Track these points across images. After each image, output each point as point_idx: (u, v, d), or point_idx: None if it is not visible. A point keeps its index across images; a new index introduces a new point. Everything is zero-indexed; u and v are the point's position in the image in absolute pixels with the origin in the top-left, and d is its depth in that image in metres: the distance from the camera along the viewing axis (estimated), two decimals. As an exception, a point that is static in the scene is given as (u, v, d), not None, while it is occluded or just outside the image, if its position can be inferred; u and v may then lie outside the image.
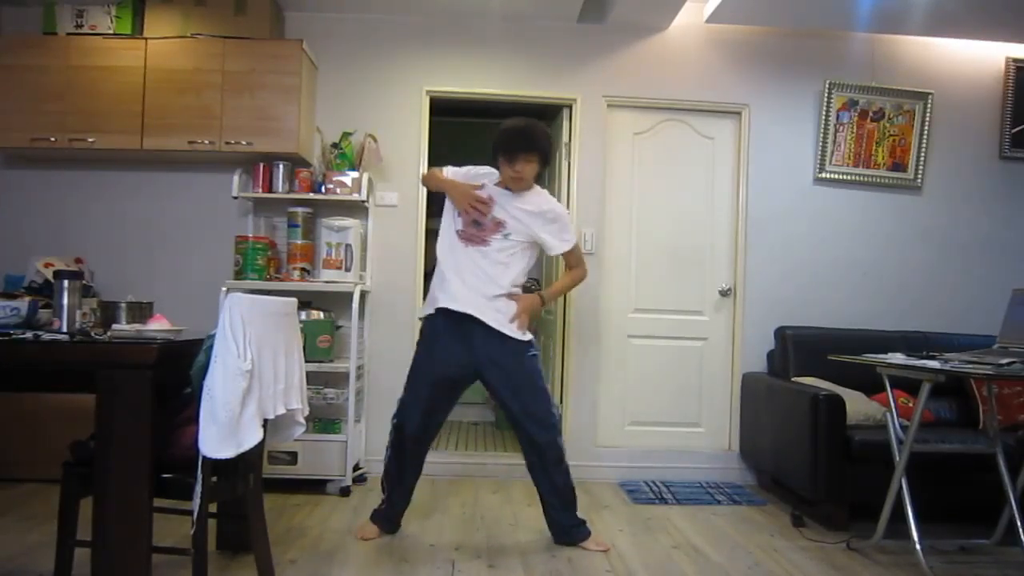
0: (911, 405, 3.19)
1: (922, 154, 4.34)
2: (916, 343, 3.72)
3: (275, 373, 2.29)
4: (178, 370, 2.19)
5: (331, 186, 3.90)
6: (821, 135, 4.29)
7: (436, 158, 4.32)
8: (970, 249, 4.39)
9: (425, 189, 4.21)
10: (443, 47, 4.23)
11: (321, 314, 3.80)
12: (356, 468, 3.86)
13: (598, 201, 4.28)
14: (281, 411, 2.33)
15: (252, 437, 2.14)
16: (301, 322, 2.94)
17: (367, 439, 4.07)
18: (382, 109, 4.19)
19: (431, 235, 4.91)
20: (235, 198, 3.87)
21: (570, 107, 4.32)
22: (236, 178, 3.84)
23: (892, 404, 3.01)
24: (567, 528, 3.03)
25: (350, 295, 3.76)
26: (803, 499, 3.52)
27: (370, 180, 4.01)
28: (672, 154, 4.37)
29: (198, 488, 2.07)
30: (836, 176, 4.33)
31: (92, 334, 2.32)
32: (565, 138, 4.35)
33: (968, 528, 3.22)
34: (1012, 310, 3.10)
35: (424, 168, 4.20)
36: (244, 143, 3.77)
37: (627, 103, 4.32)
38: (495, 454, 4.51)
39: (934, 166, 4.37)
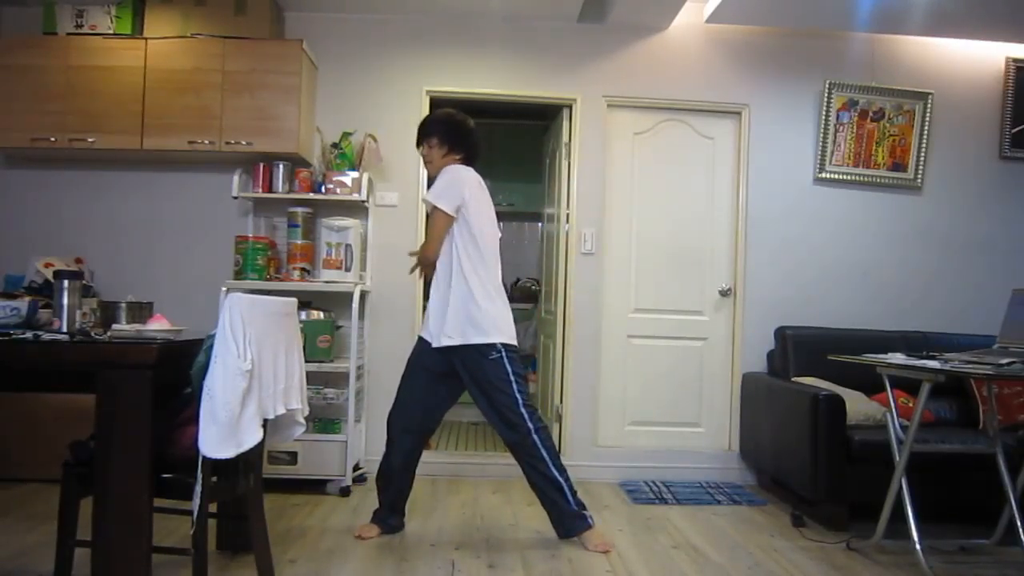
0: (911, 405, 3.19)
1: (922, 154, 4.34)
2: (916, 343, 3.72)
3: (275, 373, 2.29)
4: (178, 370, 2.19)
5: (331, 186, 3.90)
6: (821, 135, 4.29)
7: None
8: (970, 249, 4.39)
9: (425, 188, 4.22)
10: (443, 47, 4.23)
11: (321, 314, 3.80)
12: (356, 468, 3.86)
13: (598, 201, 4.28)
14: (281, 411, 2.33)
15: (252, 437, 2.14)
16: (301, 322, 2.94)
17: (367, 439, 4.07)
18: (382, 109, 4.19)
19: (431, 235, 4.94)
20: (235, 198, 3.88)
21: (570, 107, 4.32)
22: (236, 178, 3.84)
23: (892, 404, 3.01)
24: (562, 520, 3.03)
25: (350, 295, 3.76)
26: (803, 499, 3.52)
27: (370, 180, 4.01)
28: (672, 154, 4.37)
29: (198, 488, 2.07)
30: (836, 176, 4.33)
31: (92, 334, 2.32)
32: (565, 138, 4.35)
33: (968, 528, 3.23)
34: (1012, 310, 3.09)
35: (424, 169, 4.20)
36: (244, 143, 3.77)
37: (627, 103, 4.32)
38: (495, 454, 4.51)
39: (934, 166, 4.38)
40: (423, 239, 3.24)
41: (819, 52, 4.33)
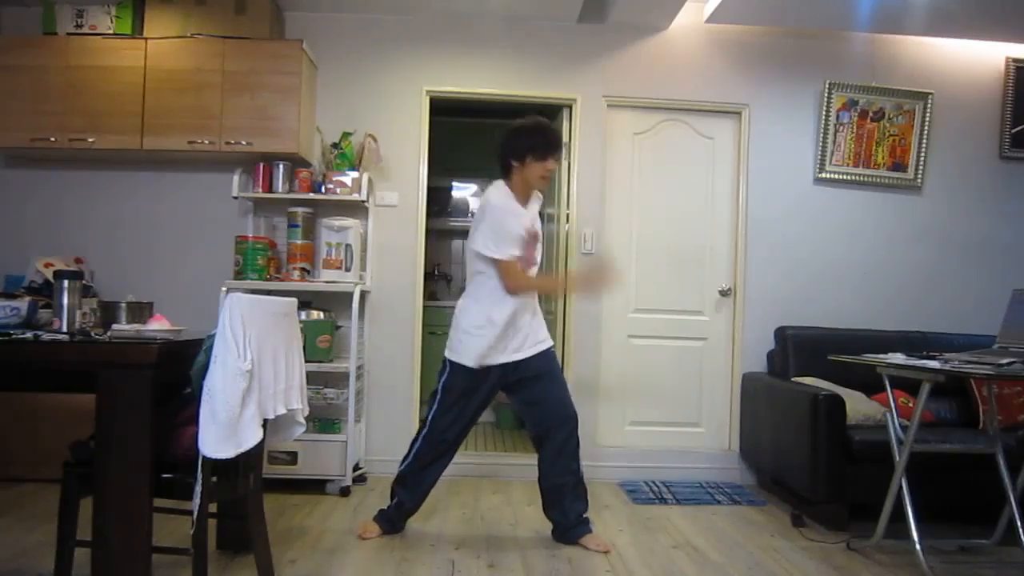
0: (911, 405, 3.19)
1: (922, 154, 4.34)
2: (916, 343, 3.72)
3: (275, 373, 2.29)
4: (178, 370, 2.19)
5: (331, 186, 3.90)
6: (821, 135, 4.29)
7: (436, 158, 4.34)
8: (970, 249, 4.39)
9: (425, 189, 4.23)
10: (443, 47, 4.23)
11: (321, 314, 3.80)
12: (356, 468, 3.86)
13: (598, 201, 4.28)
14: (281, 411, 2.33)
15: (252, 437, 2.14)
16: (301, 322, 2.93)
17: (367, 439, 4.07)
18: (382, 109, 4.19)
19: (431, 235, 4.95)
20: (235, 198, 3.87)
21: (570, 107, 4.32)
22: (236, 178, 3.84)
23: (892, 404, 3.01)
24: (566, 525, 3.04)
25: (350, 295, 3.76)
26: (803, 499, 3.52)
27: (370, 180, 4.01)
28: (672, 154, 4.37)
29: (198, 488, 2.07)
30: (836, 176, 4.33)
31: (92, 334, 2.32)
32: (565, 138, 4.34)
33: (968, 528, 3.23)
34: (1012, 310, 3.09)
35: (424, 169, 4.21)
36: (244, 143, 3.77)
37: (627, 103, 4.32)
38: (495, 454, 4.51)
39: (934, 166, 4.37)
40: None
41: (819, 52, 4.33)
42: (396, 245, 4.18)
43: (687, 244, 4.36)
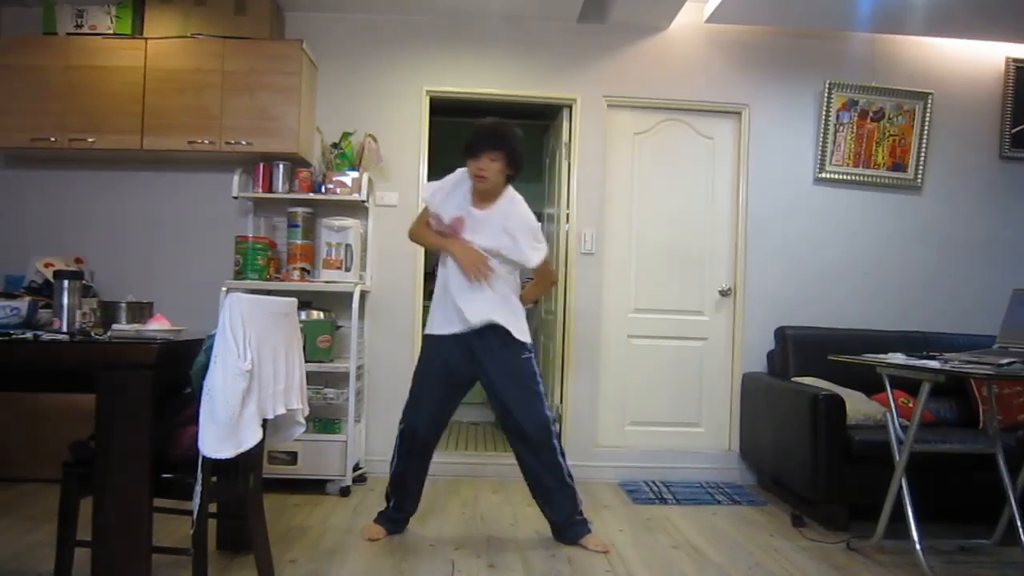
0: (911, 405, 3.19)
1: (922, 154, 4.34)
2: (916, 343, 3.72)
3: (275, 373, 2.29)
4: (178, 370, 2.19)
5: (331, 186, 3.90)
6: (821, 135, 4.29)
7: (436, 158, 4.33)
8: (970, 249, 4.39)
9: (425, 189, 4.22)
10: (443, 47, 4.23)
11: (321, 314, 3.80)
12: (356, 468, 3.86)
13: (598, 201, 4.28)
14: (281, 411, 2.33)
15: (252, 437, 2.14)
16: (301, 322, 2.94)
17: (367, 439, 4.07)
18: (382, 109, 4.19)
19: (431, 235, 4.94)
20: (235, 198, 3.87)
21: (570, 107, 4.31)
22: (236, 178, 3.84)
23: (892, 404, 3.01)
24: (564, 526, 3.04)
25: (350, 295, 3.76)
26: (803, 499, 3.52)
27: (370, 180, 4.01)
28: (672, 154, 4.37)
29: (198, 488, 2.07)
30: (836, 176, 4.33)
31: (92, 334, 2.32)
32: (565, 138, 4.35)
33: (968, 528, 3.23)
34: (1012, 310, 3.09)
35: (424, 169, 4.21)
36: (244, 143, 3.77)
37: (627, 103, 4.32)
38: (495, 454, 4.51)
39: (934, 166, 4.37)
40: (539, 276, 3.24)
41: (819, 52, 4.33)
42: (396, 245, 4.17)
43: (687, 244, 4.36)
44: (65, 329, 2.35)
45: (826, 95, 4.26)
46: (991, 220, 4.40)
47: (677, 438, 4.31)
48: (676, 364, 4.34)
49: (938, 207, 4.39)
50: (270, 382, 2.25)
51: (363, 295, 3.94)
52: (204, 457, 2.05)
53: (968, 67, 4.40)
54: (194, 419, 2.08)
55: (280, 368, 2.33)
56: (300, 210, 3.91)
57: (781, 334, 4.14)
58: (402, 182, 4.20)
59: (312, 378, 3.36)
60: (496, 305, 2.96)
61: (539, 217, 3.14)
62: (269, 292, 3.41)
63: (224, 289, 3.56)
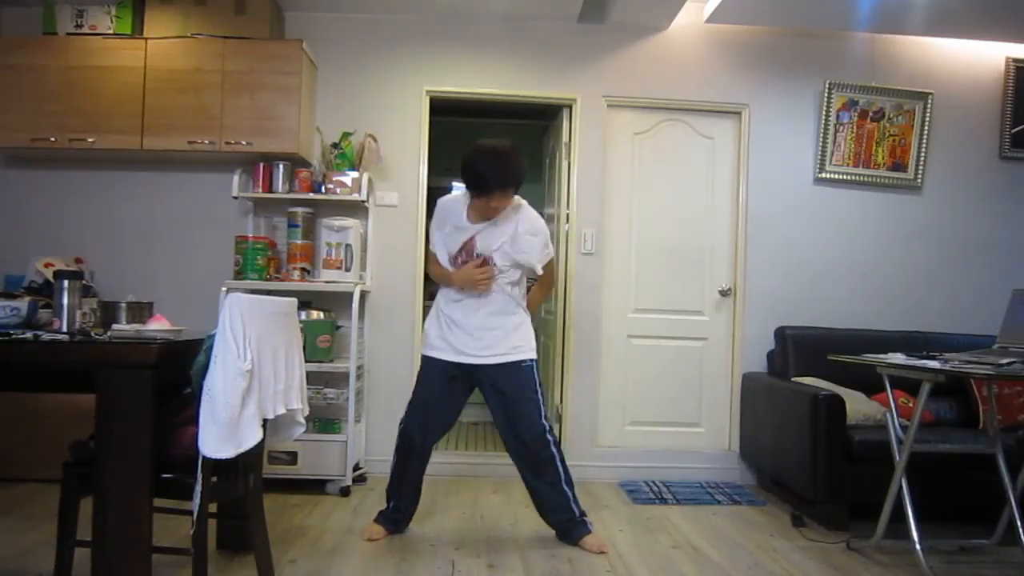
0: (911, 405, 3.19)
1: (922, 154, 4.34)
2: (916, 343, 3.72)
3: (275, 373, 2.29)
4: (178, 370, 2.19)
5: (331, 186, 3.90)
6: (821, 135, 4.29)
7: (436, 158, 4.34)
8: (970, 249, 4.39)
9: (425, 189, 4.22)
10: (443, 47, 4.23)
11: (321, 314, 3.80)
12: (356, 468, 3.86)
13: (598, 201, 4.28)
14: (281, 411, 2.33)
15: (252, 437, 2.14)
16: (301, 322, 2.94)
17: (367, 439, 4.08)
18: (382, 109, 4.19)
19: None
20: (235, 198, 3.87)
21: (570, 107, 4.31)
22: (236, 178, 3.84)
23: (892, 404, 3.01)
24: (563, 528, 3.05)
25: (350, 295, 3.76)
26: (803, 499, 3.52)
27: (370, 180, 4.01)
28: (672, 154, 4.37)
29: (198, 488, 2.07)
30: (836, 176, 4.33)
31: (92, 334, 2.32)
32: (565, 138, 4.35)
33: (968, 528, 3.22)
34: (1012, 310, 3.09)
35: (424, 169, 4.21)
36: (244, 143, 3.77)
37: (627, 103, 4.32)
38: (495, 454, 4.51)
39: (934, 166, 4.37)
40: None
41: (819, 52, 4.33)
42: (396, 245, 4.18)
43: (687, 244, 4.36)
44: (65, 329, 2.35)
45: (826, 95, 4.26)
46: (991, 220, 4.40)
47: (677, 438, 4.31)
48: (676, 364, 4.34)
49: (938, 207, 4.39)
50: (270, 382, 2.25)
51: (363, 295, 3.94)
52: (204, 457, 2.05)
53: (968, 67, 4.40)
54: (194, 419, 2.08)
55: (280, 368, 2.33)
56: (300, 210, 3.91)
57: (781, 334, 4.14)
58: (402, 182, 4.20)
59: (312, 378, 3.36)
60: (508, 334, 2.99)
61: (507, 234, 3.11)
62: (269, 292, 3.41)
63: (224, 289, 3.56)
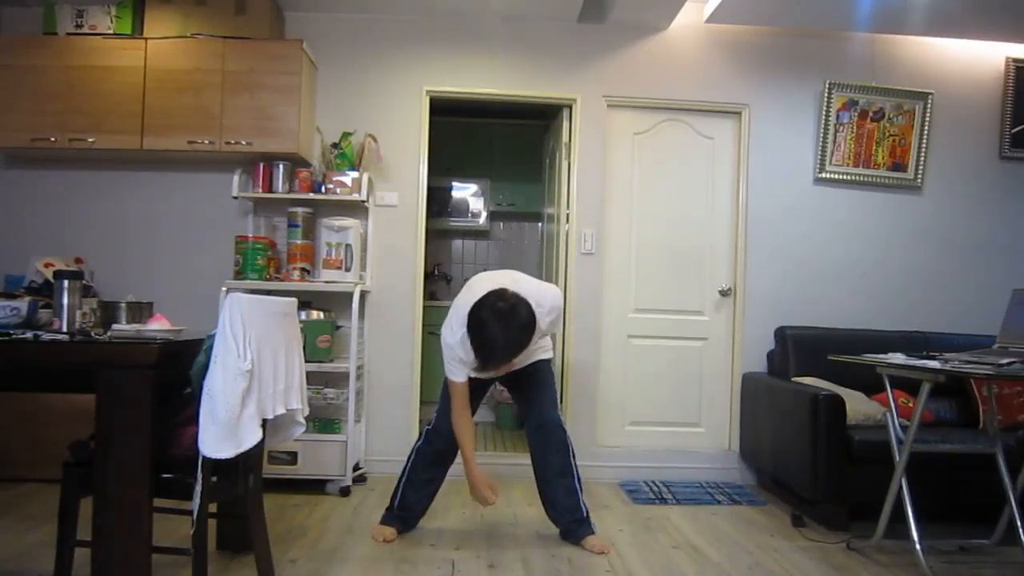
0: (911, 405, 3.19)
1: (922, 154, 4.34)
2: (916, 343, 3.72)
3: (275, 373, 2.29)
4: (178, 370, 2.19)
5: (331, 186, 3.90)
6: (821, 135, 4.29)
7: (436, 158, 4.34)
8: (970, 249, 4.39)
9: (425, 189, 4.23)
10: (443, 47, 4.23)
11: (321, 314, 3.80)
12: (356, 468, 3.86)
13: (598, 201, 4.28)
14: (281, 411, 2.33)
15: (252, 437, 2.14)
16: (301, 322, 2.94)
17: (367, 439, 4.07)
18: (382, 109, 4.19)
19: (431, 235, 4.95)
20: (235, 198, 3.88)
21: (570, 107, 4.32)
22: (236, 178, 3.84)
23: (892, 404, 3.01)
24: (567, 526, 3.05)
25: (350, 295, 3.76)
26: (803, 499, 3.52)
27: (370, 180, 4.01)
28: (672, 154, 4.37)
29: (198, 488, 2.07)
30: (836, 176, 4.33)
31: (92, 334, 2.32)
32: (565, 138, 4.35)
33: (968, 528, 3.22)
34: (1012, 310, 3.09)
35: (424, 169, 4.21)
36: (244, 143, 3.77)
37: (627, 103, 4.32)
38: (495, 454, 4.51)
39: (934, 166, 4.37)
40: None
41: (819, 52, 4.33)
42: (396, 245, 4.18)
43: (687, 244, 4.36)
44: (65, 329, 2.35)
45: (826, 95, 4.27)
46: (991, 220, 4.40)
47: (677, 438, 4.31)
48: (676, 364, 4.34)
49: (938, 207, 4.39)
50: (270, 382, 2.25)
51: (363, 295, 3.94)
52: (204, 457, 2.05)
53: (968, 67, 4.41)
54: (194, 419, 2.08)
55: (280, 368, 2.33)
56: (300, 210, 3.91)
57: (781, 334, 4.14)
58: (402, 182, 4.20)
59: (312, 378, 3.36)
60: (535, 351, 3.06)
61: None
62: (269, 292, 3.41)
63: (224, 289, 3.56)
